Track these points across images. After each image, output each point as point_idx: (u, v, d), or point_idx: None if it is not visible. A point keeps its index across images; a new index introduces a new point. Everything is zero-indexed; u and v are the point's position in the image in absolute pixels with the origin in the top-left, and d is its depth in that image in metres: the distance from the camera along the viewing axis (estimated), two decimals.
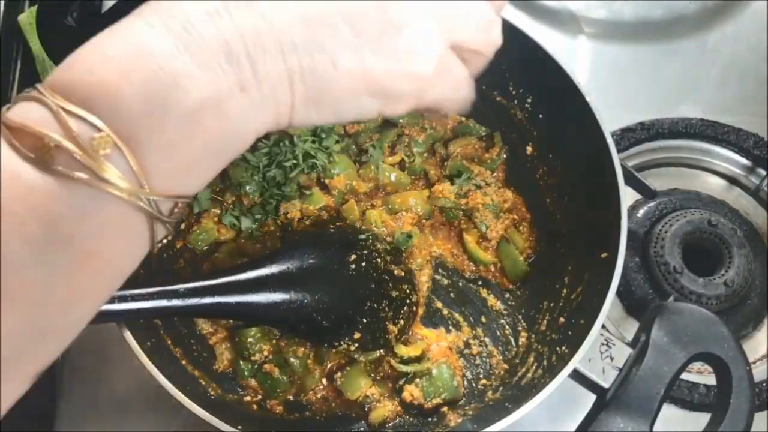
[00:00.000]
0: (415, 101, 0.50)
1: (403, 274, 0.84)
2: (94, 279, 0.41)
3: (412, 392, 0.82)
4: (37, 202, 0.38)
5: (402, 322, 0.82)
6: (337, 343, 0.78)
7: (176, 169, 0.42)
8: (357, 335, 0.78)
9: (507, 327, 0.90)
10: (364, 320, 0.78)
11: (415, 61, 0.47)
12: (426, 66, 0.48)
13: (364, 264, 0.80)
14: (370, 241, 0.83)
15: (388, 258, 0.83)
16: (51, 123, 0.39)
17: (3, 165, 0.38)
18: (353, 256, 0.80)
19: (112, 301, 0.65)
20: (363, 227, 0.88)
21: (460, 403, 0.84)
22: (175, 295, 0.67)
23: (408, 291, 0.84)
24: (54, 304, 0.40)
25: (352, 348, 0.78)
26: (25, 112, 0.39)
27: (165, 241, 0.44)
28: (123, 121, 0.39)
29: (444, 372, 0.83)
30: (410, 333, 0.85)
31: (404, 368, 0.83)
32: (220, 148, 0.44)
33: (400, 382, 0.83)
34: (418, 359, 0.84)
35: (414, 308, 0.85)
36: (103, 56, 0.40)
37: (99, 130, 0.39)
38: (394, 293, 0.82)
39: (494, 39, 0.53)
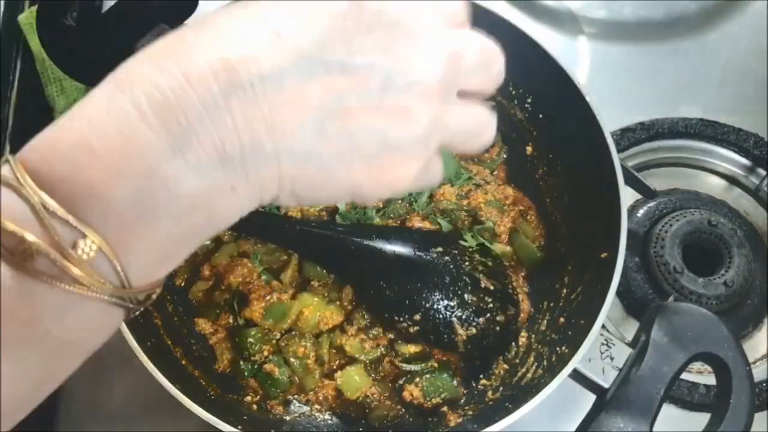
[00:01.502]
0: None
1: (491, 287, 0.82)
2: (66, 363, 0.41)
3: (412, 392, 0.82)
4: (13, 305, 0.36)
5: (474, 330, 0.80)
6: (397, 318, 0.80)
7: (157, 262, 0.41)
8: (417, 317, 0.79)
9: None
10: (426, 305, 0.79)
11: (399, 181, 0.46)
12: (406, 183, 0.47)
13: (447, 258, 0.82)
14: (470, 250, 0.85)
15: (480, 267, 0.83)
16: (31, 222, 0.36)
17: None
18: (440, 248, 0.82)
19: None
20: (467, 235, 0.88)
21: (460, 403, 0.84)
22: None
23: (491, 307, 0.82)
24: (25, 390, 0.39)
25: (412, 330, 0.80)
26: (5, 204, 0.36)
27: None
28: (111, 227, 0.37)
29: (444, 371, 0.83)
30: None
31: (409, 367, 0.83)
32: (203, 236, 0.43)
33: (400, 382, 0.83)
34: (420, 357, 0.84)
35: (495, 328, 0.82)
36: (89, 149, 0.37)
37: (84, 235, 0.37)
38: (471, 298, 0.81)
39: (495, 77, 0.50)
